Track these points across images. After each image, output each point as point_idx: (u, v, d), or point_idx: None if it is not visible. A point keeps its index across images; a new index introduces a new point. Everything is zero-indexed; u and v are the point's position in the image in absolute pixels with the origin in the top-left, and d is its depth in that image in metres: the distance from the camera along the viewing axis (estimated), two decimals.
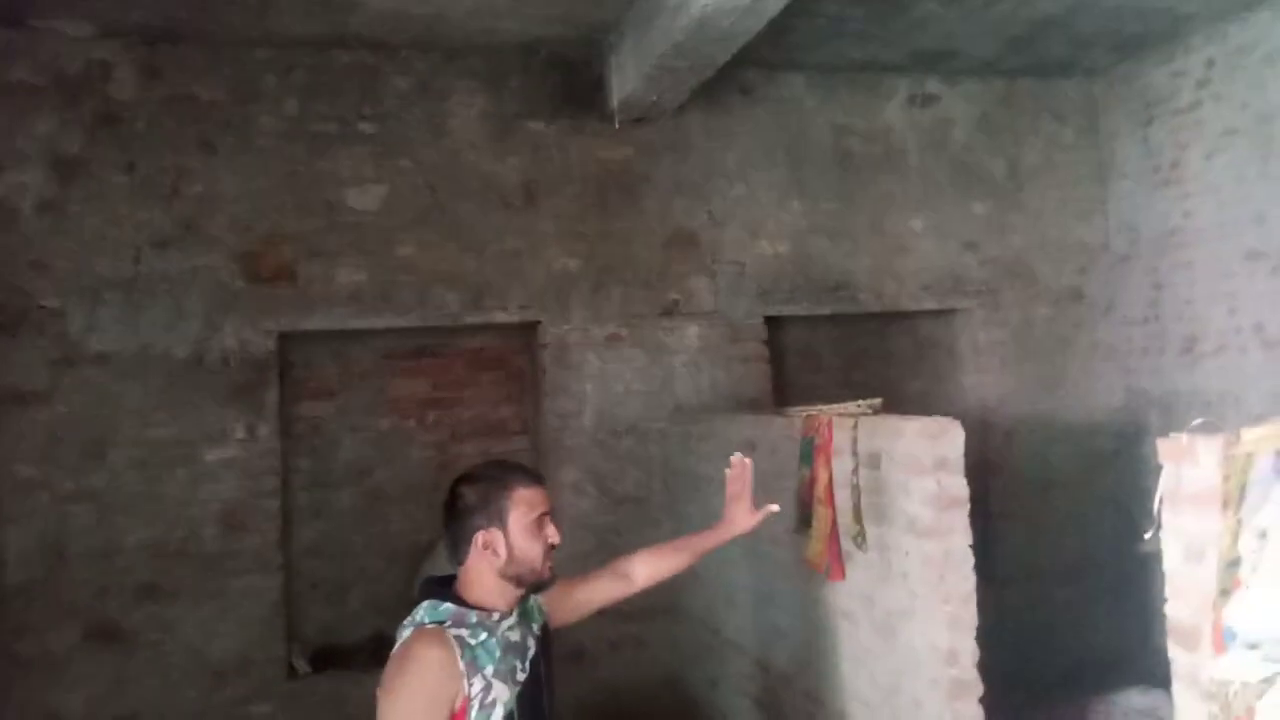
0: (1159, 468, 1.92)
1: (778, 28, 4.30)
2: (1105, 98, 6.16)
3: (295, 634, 4.83)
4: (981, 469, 5.47)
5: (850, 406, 3.30)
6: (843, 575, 3.26)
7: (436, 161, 5.08)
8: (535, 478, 2.06)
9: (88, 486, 4.49)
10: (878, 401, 3.28)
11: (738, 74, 5.33)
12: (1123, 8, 5.03)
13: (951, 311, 5.94)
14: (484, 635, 1.91)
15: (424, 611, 1.94)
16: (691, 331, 5.35)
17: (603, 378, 5.21)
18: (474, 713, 1.85)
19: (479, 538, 1.98)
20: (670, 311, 5.33)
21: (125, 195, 4.63)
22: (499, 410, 5.54)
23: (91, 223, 4.58)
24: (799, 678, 3.71)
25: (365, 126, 5.00)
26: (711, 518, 4.62)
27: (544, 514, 2.03)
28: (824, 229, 5.65)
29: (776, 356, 5.66)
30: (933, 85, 5.91)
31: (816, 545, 3.35)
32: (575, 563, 4.99)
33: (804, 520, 3.47)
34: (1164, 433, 1.92)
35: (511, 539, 1.98)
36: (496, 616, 1.96)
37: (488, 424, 5.51)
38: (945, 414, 2.93)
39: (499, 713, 1.87)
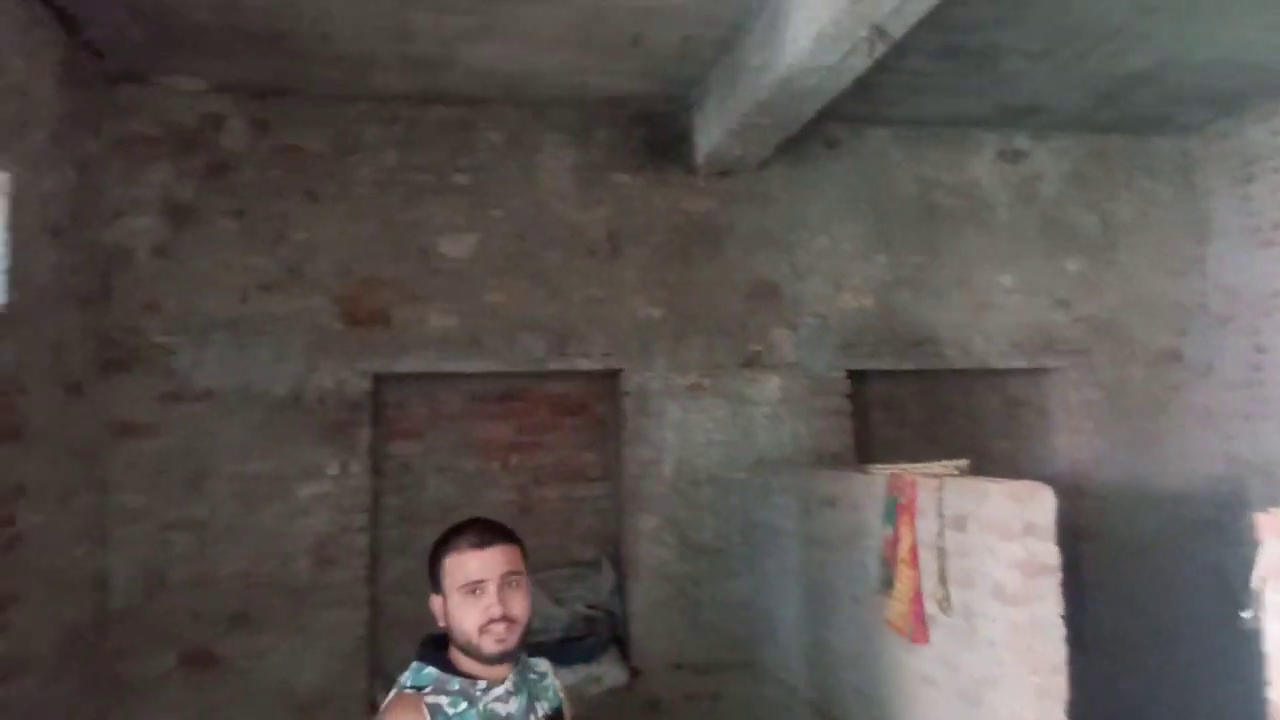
0: (1258, 543, 1.87)
1: (863, 83, 4.34)
2: (1201, 155, 6.01)
3: (378, 670, 4.92)
4: (1073, 534, 5.31)
5: (935, 466, 3.27)
6: (926, 639, 3.20)
7: (525, 211, 5.23)
8: (479, 542, 1.89)
9: (188, 516, 4.69)
10: (964, 463, 3.24)
11: (822, 128, 5.38)
12: (1215, 64, 4.94)
13: (1042, 370, 5.82)
14: (464, 705, 1.83)
15: (409, 674, 1.89)
16: (773, 383, 5.35)
17: (684, 427, 5.24)
18: None
19: (431, 602, 1.93)
20: (752, 363, 5.35)
21: (234, 240, 4.89)
22: (580, 455, 5.61)
23: (202, 266, 4.84)
24: None
25: (459, 177, 5.19)
26: (788, 574, 4.61)
27: (478, 582, 1.86)
28: (909, 282, 5.62)
29: (859, 410, 5.62)
30: (1021, 141, 5.87)
31: (899, 607, 3.31)
32: (655, 611, 5.06)
33: (886, 581, 3.43)
34: (1267, 503, 1.87)
35: (449, 606, 1.88)
36: (483, 685, 1.86)
37: (569, 469, 5.59)
38: (1035, 476, 2.89)
39: None
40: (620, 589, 5.34)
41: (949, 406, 6.10)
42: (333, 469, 4.91)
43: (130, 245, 4.78)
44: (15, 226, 3.64)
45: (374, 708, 4.77)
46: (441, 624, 1.90)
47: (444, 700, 1.83)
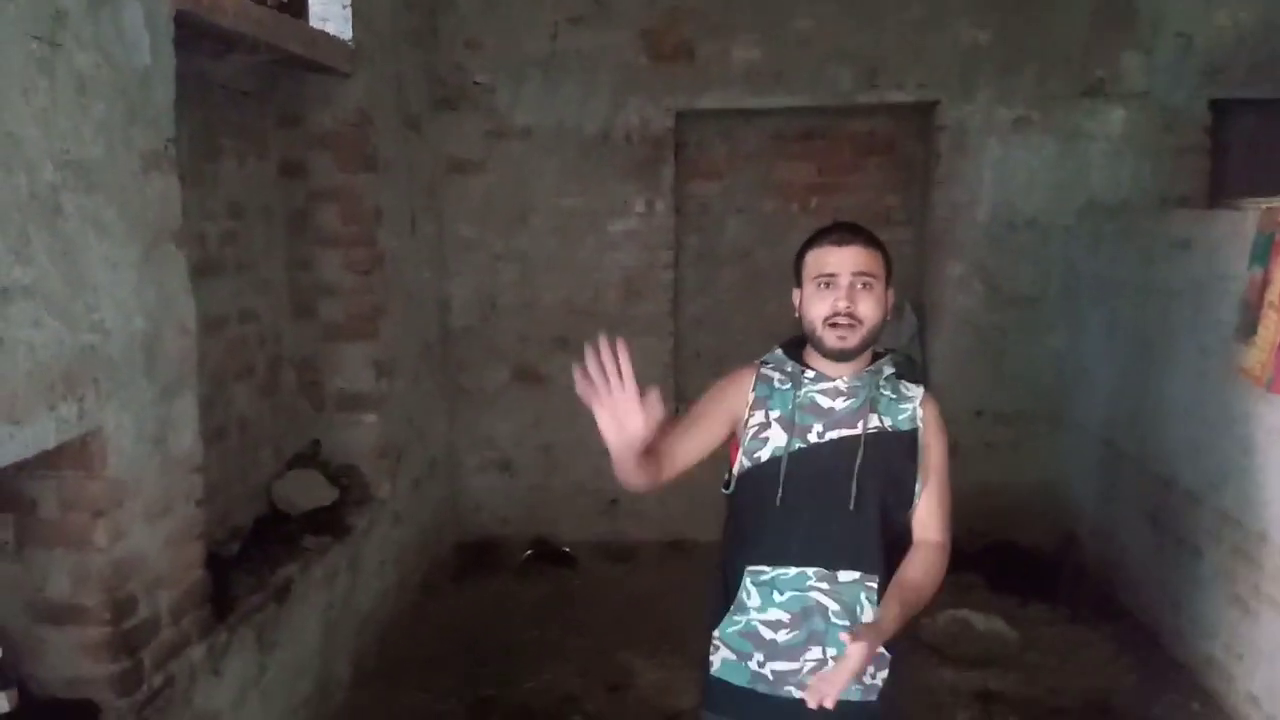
0: None
1: None
2: None
3: (681, 395, 5.26)
4: None
5: None
6: None
7: None
8: (839, 240, 1.89)
9: (514, 248, 5.08)
10: None
11: None
12: None
13: None
14: (788, 386, 1.94)
15: (767, 352, 2.05)
16: (1116, 116, 4.73)
17: (1004, 166, 4.82)
18: (746, 437, 1.94)
19: (792, 295, 2.00)
20: (1093, 92, 4.73)
21: None
22: (884, 198, 5.36)
23: (516, 1, 4.91)
24: (1212, 496, 3.41)
25: None
26: (1116, 326, 4.27)
27: (831, 276, 1.87)
28: None
29: (1217, 150, 4.86)
30: None
31: (1260, 354, 2.96)
32: (958, 358, 4.94)
33: (1246, 327, 3.07)
34: None
35: (804, 297, 1.94)
36: (811, 375, 1.93)
37: (871, 211, 5.35)
38: None
39: (768, 450, 1.90)
40: (921, 336, 5.23)
41: None
42: (639, 207, 5.07)
43: None
44: None
45: None
46: (796, 315, 1.97)
47: (776, 376, 1.97)
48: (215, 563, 2.78)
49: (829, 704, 1.68)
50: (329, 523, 3.47)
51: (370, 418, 3.93)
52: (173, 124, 2.50)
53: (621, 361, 1.66)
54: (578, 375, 1.68)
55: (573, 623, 4.17)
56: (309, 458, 3.76)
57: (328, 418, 3.90)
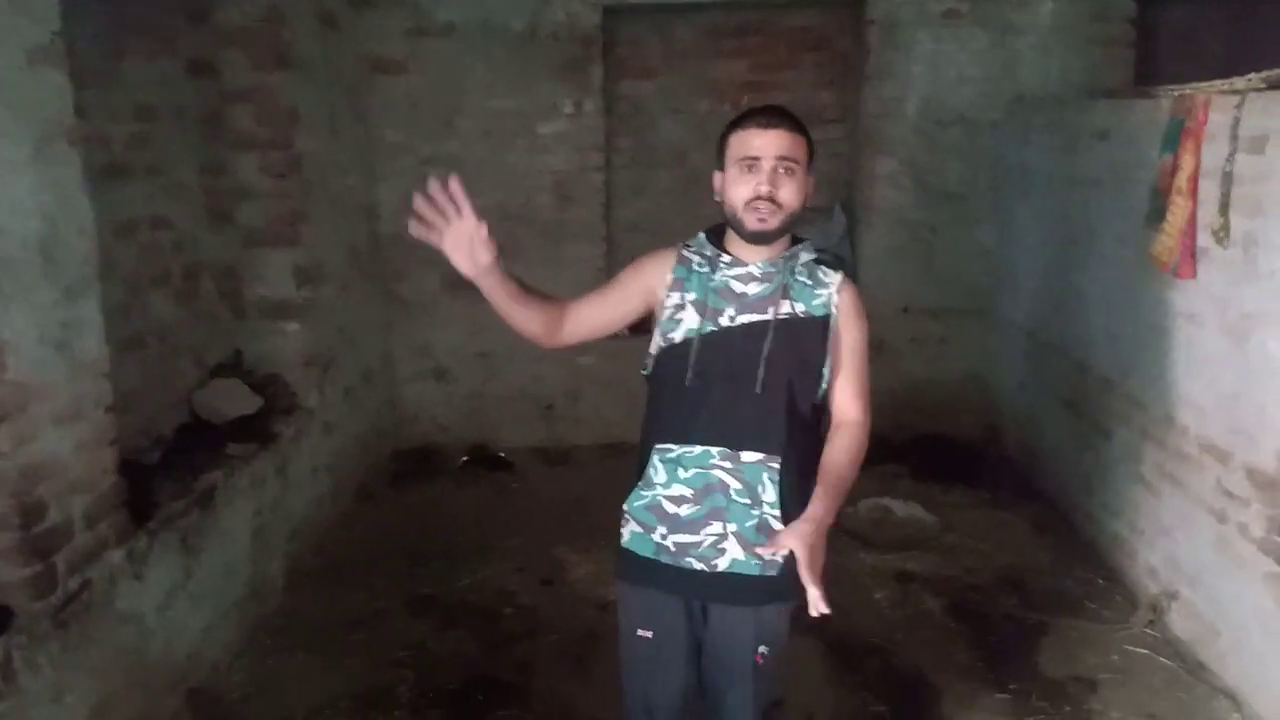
0: None
1: None
2: None
3: None
4: None
5: (1238, 82, 2.80)
6: (1193, 273, 2.97)
7: None
8: (764, 122, 1.87)
9: (443, 152, 4.96)
10: (1277, 73, 2.74)
11: None
12: None
13: None
14: (706, 269, 1.96)
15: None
16: (1044, 8, 4.70)
17: (934, 61, 4.79)
18: (663, 316, 1.98)
19: (713, 178, 2.00)
20: None
21: None
22: (818, 95, 5.31)
23: None
24: (1122, 382, 3.53)
25: None
26: (1040, 218, 4.33)
27: (754, 159, 1.86)
28: None
29: (1146, 40, 4.87)
30: None
31: (1168, 240, 3.04)
32: (887, 256, 4.98)
33: (1156, 214, 3.14)
34: None
35: (726, 180, 1.94)
36: (727, 260, 1.96)
37: (805, 109, 5.17)
38: None
39: (681, 331, 1.94)
40: (851, 235, 5.26)
41: (1262, 36, 5.15)
42: (568, 108, 4.96)
43: None
44: None
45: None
46: (717, 199, 1.98)
47: (695, 258, 1.99)
48: (136, 470, 2.77)
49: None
50: (254, 430, 3.45)
51: (293, 326, 3.87)
52: (58, 16, 2.38)
53: (455, 193, 1.85)
54: (412, 223, 1.86)
55: (509, 523, 4.24)
56: (231, 367, 3.72)
57: (250, 326, 3.85)
